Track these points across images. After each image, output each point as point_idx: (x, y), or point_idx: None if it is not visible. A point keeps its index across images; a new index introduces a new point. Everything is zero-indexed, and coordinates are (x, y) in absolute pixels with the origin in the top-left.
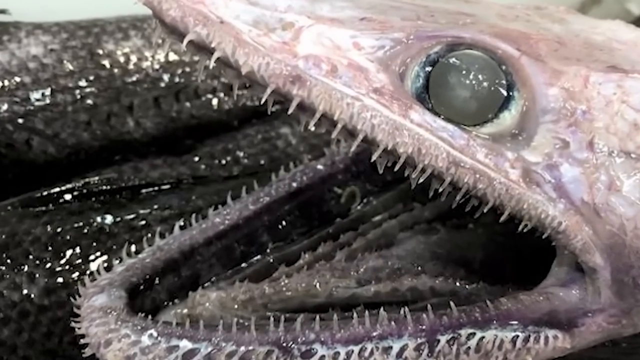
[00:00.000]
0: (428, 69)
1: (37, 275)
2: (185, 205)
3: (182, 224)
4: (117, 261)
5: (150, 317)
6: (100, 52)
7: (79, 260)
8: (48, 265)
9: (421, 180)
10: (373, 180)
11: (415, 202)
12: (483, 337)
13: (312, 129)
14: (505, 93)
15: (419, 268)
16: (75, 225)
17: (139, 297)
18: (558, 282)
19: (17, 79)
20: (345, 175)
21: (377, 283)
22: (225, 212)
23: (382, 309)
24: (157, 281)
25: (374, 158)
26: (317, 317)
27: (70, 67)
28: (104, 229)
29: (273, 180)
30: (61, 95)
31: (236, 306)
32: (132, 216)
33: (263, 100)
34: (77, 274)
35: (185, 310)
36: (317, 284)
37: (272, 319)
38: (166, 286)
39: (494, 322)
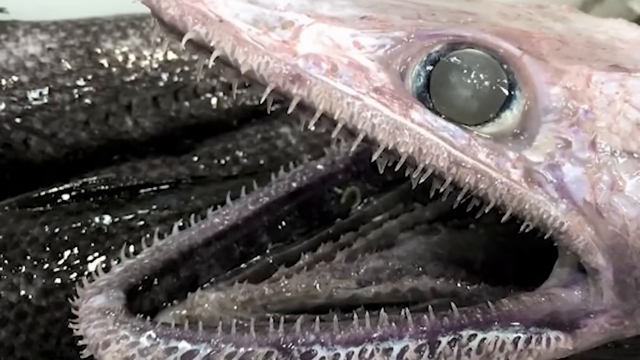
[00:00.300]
0: (429, 68)
1: (35, 276)
2: (184, 205)
3: (180, 224)
4: (116, 262)
5: (148, 318)
6: (99, 51)
7: (77, 261)
8: (46, 266)
9: (422, 180)
10: (373, 180)
11: (416, 202)
12: (484, 339)
13: (312, 128)
14: (506, 92)
15: (420, 269)
16: (73, 225)
17: (137, 298)
18: (560, 283)
19: (15, 78)
20: (345, 175)
21: (377, 284)
22: (225, 212)
23: (382, 310)
24: (155, 282)
25: (374, 158)
26: (317, 318)
27: (68, 66)
28: (102, 230)
29: (273, 180)
30: (59, 95)
31: (235, 307)
32: (130, 216)
33: (262, 100)
34: (75, 274)
35: (184, 312)
36: (317, 285)
37: (271, 320)
38: (165, 287)
39: (496, 323)
